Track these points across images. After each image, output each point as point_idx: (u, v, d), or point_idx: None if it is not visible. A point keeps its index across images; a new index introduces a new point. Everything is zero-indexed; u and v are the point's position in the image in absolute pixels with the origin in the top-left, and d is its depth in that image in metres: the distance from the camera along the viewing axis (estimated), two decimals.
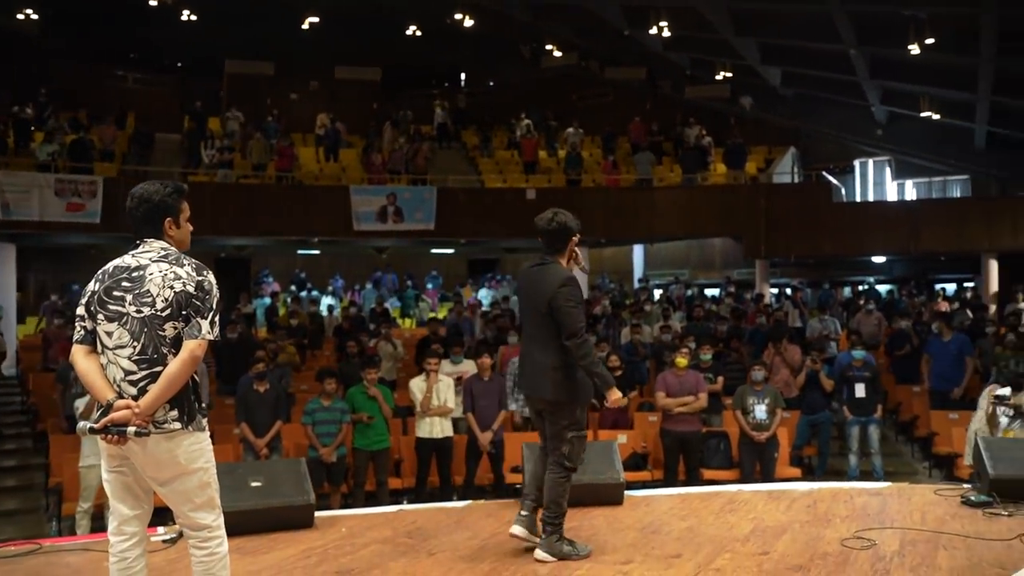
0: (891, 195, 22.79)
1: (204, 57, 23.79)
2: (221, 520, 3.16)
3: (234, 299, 16.83)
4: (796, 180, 21.08)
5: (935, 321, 11.24)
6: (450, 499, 8.52)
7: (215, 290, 3.14)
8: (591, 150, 21.41)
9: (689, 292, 20.32)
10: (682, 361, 8.64)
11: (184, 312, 3.04)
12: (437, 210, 17.33)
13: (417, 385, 8.39)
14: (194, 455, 3.07)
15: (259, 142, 18.28)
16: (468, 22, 19.99)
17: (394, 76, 24.83)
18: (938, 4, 13.69)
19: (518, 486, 6.21)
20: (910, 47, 14.60)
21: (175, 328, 3.04)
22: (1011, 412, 7.36)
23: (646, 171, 19.14)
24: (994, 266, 17.17)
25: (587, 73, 25.39)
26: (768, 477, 8.47)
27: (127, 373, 3.02)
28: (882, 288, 20.86)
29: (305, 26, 21.01)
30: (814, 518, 4.96)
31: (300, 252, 21.83)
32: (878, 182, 23.09)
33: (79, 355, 3.09)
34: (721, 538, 4.58)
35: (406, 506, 5.64)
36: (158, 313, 3.03)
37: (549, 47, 24.30)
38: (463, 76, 28.81)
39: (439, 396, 8.31)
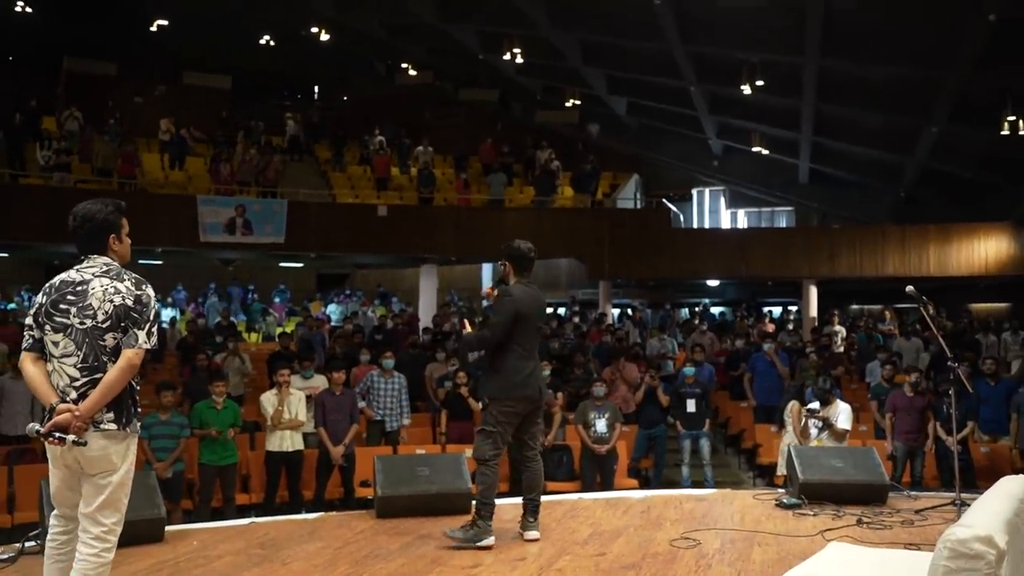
0: (725, 223, 24.29)
1: (39, 53, 22.55)
2: (119, 529, 3.35)
3: None
4: (638, 206, 22.13)
5: (765, 341, 12.13)
6: (299, 513, 8.53)
7: (152, 303, 3.40)
8: (443, 169, 21.71)
9: None
10: None
11: (123, 324, 3.30)
12: (287, 223, 17.15)
13: (268, 399, 8.37)
14: (123, 456, 3.32)
15: (106, 145, 17.51)
16: (324, 36, 19.92)
17: (245, 85, 24.33)
18: (767, 51, 14.86)
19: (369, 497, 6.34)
20: (743, 87, 15.75)
21: (115, 339, 3.30)
22: (820, 424, 8.14)
23: (499, 192, 19.58)
24: (813, 291, 18.62)
25: (441, 92, 25.76)
26: (608, 488, 8.93)
27: (72, 380, 3.27)
28: (715, 310, 22.20)
29: (153, 28, 20.33)
30: (647, 522, 5.38)
31: (141, 262, 20.97)
32: (713, 210, 24.59)
33: (27, 361, 3.34)
34: (563, 541, 4.91)
35: (258, 519, 5.67)
36: (99, 325, 3.29)
37: (404, 65, 24.52)
38: (316, 89, 28.57)
39: (291, 410, 8.31)
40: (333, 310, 20.53)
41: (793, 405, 9.40)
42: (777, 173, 22.29)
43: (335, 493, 8.75)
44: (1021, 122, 13.77)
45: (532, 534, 4.91)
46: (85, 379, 3.26)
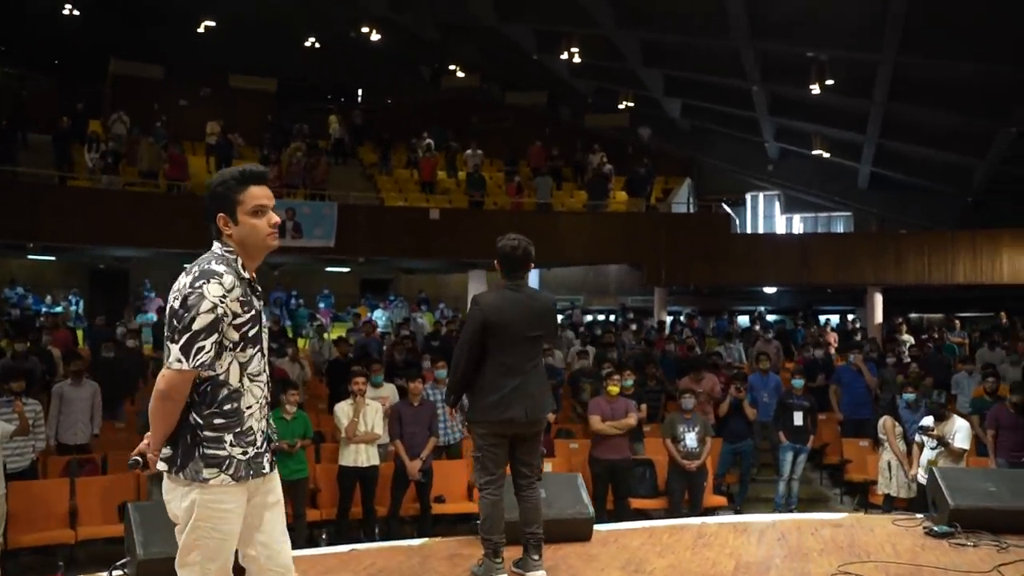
0: (780, 228, 23.64)
1: (86, 56, 22.41)
2: None
3: (116, 314, 15.74)
4: (691, 210, 21.53)
5: (852, 351, 11.53)
6: (372, 531, 8.07)
7: (203, 304, 2.55)
8: (490, 173, 21.25)
9: (589, 318, 20.34)
10: (614, 389, 8.47)
11: (167, 334, 2.60)
12: (337, 227, 16.75)
13: (343, 409, 7.89)
14: (177, 504, 2.63)
15: (151, 147, 17.23)
16: (375, 36, 19.56)
17: (290, 88, 24.05)
18: (841, 48, 14.22)
19: (474, 519, 5.83)
20: (811, 87, 15.13)
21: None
22: (934, 443, 7.52)
23: (545, 195, 19.08)
24: (879, 299, 17.93)
25: (487, 96, 25.32)
26: (696, 505, 8.40)
27: None
28: (770, 317, 21.49)
29: (200, 30, 20.08)
30: (791, 552, 4.83)
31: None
32: (768, 215, 23.95)
33: None
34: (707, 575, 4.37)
35: (358, 546, 5.18)
36: (164, 334, 2.65)
37: (452, 67, 24.11)
38: (360, 92, 28.27)
39: (366, 421, 7.83)
40: (379, 316, 20.10)
41: (885, 421, 8.83)
42: (835, 177, 21.59)
43: (410, 509, 8.25)
44: None
45: (537, 574, 4.27)
46: None
